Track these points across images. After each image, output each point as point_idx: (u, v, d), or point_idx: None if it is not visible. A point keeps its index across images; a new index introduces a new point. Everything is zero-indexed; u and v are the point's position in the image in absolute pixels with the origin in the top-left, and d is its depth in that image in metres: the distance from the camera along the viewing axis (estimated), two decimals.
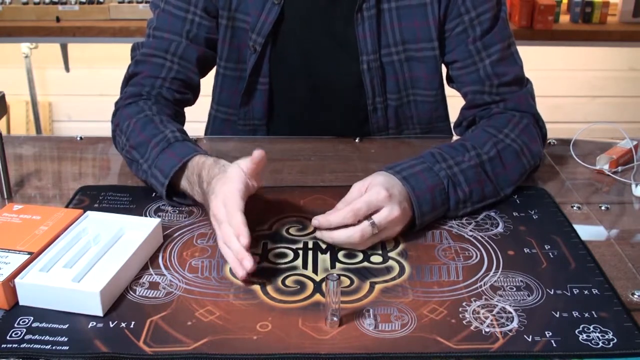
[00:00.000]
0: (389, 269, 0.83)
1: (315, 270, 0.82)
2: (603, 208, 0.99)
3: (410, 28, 1.11)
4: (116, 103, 1.11)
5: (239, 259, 0.78)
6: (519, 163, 1.00)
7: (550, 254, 0.86)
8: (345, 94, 1.18)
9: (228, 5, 1.12)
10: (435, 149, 0.96)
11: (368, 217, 0.84)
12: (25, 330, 0.71)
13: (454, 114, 1.20)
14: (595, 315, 0.74)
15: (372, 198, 0.85)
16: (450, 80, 1.17)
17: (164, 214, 0.95)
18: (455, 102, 1.21)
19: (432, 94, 1.17)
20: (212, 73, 1.22)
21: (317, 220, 0.86)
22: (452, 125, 1.23)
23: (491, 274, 0.82)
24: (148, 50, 1.12)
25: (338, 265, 0.83)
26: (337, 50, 1.15)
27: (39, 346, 0.68)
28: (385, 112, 1.18)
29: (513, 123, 1.04)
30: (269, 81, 1.17)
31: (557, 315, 0.74)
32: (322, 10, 1.13)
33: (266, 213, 0.95)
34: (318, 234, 0.87)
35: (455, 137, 1.17)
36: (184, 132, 1.01)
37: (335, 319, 0.72)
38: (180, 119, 1.13)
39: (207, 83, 1.20)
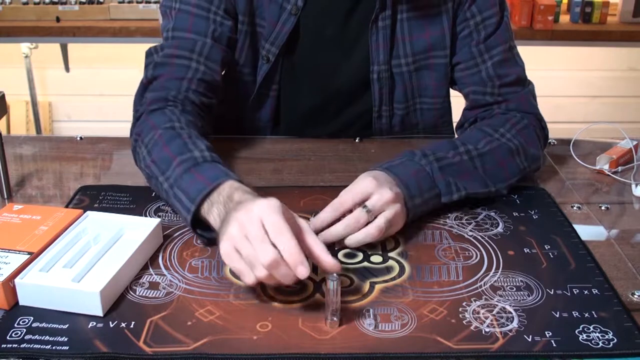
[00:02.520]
0: (389, 269, 0.83)
1: (315, 270, 0.82)
2: (603, 208, 0.99)
3: (424, 37, 1.11)
4: (136, 110, 1.03)
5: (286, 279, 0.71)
6: (512, 161, 0.99)
7: (550, 254, 0.86)
8: (352, 99, 1.18)
9: (248, 10, 1.09)
10: (418, 149, 0.96)
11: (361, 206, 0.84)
12: (25, 330, 0.71)
13: (456, 115, 1.20)
14: (595, 315, 0.74)
15: (356, 186, 0.86)
16: (452, 82, 1.17)
17: (164, 214, 0.95)
18: (457, 102, 1.21)
19: (439, 101, 1.18)
20: None
21: (312, 225, 0.85)
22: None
23: (491, 274, 0.82)
24: (170, 51, 1.04)
25: None
26: (348, 59, 1.14)
27: (39, 346, 0.68)
28: (390, 120, 1.18)
29: (511, 123, 1.04)
30: (278, 88, 1.16)
31: (557, 315, 0.74)
32: (337, 20, 1.12)
33: None
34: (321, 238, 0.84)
35: None
36: (214, 151, 0.91)
37: (335, 319, 0.72)
38: (208, 127, 1.06)
39: None
